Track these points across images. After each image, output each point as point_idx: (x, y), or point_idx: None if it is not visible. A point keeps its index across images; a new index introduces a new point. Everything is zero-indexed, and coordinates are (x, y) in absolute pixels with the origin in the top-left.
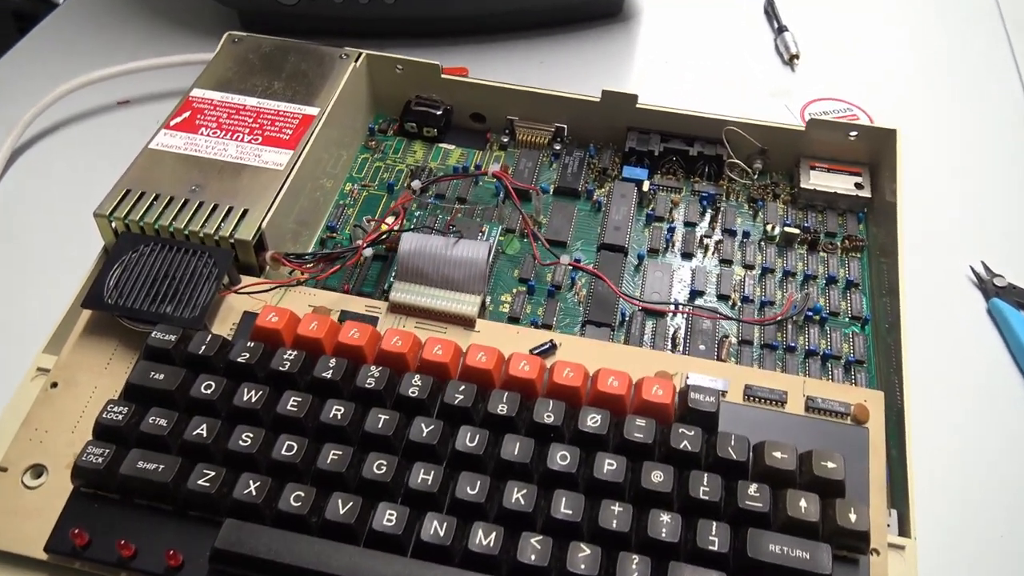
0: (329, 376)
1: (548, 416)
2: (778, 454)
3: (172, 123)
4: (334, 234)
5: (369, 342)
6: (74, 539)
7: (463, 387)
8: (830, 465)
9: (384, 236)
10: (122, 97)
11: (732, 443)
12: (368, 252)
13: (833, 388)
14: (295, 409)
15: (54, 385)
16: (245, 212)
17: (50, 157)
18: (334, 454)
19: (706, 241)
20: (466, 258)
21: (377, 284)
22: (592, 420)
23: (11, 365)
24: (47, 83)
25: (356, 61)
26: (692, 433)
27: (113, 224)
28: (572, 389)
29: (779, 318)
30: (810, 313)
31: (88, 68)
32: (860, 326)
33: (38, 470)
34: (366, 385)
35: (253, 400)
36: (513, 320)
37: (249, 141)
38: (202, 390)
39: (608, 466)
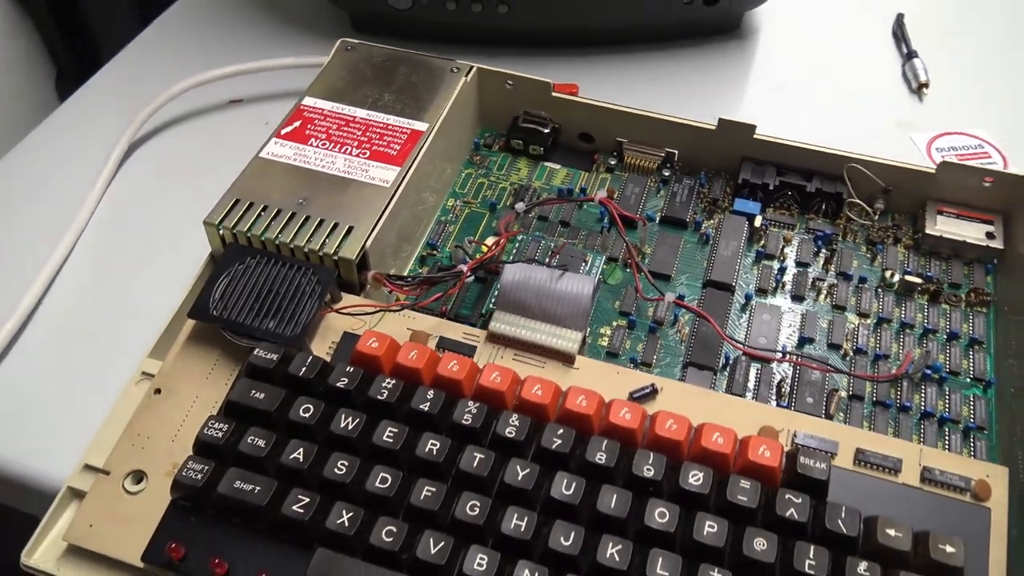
0: (426, 409)
1: (648, 470)
2: (892, 532)
3: (283, 132)
4: (434, 251)
5: (468, 376)
6: (170, 552)
7: (561, 431)
8: (949, 550)
9: (487, 260)
10: (234, 96)
11: (843, 515)
12: (469, 278)
13: (952, 459)
14: (391, 440)
15: (157, 391)
16: (350, 229)
17: (163, 152)
18: (427, 490)
19: (819, 284)
20: (570, 293)
21: (475, 307)
22: (694, 478)
23: (118, 364)
24: (165, 77)
25: (467, 75)
26: (800, 501)
27: (221, 232)
28: (674, 443)
29: (896, 376)
30: (928, 371)
31: (203, 64)
32: (983, 389)
33: (138, 476)
34: (463, 421)
35: (350, 427)
36: (612, 355)
37: (357, 155)
38: (300, 413)
39: (709, 528)
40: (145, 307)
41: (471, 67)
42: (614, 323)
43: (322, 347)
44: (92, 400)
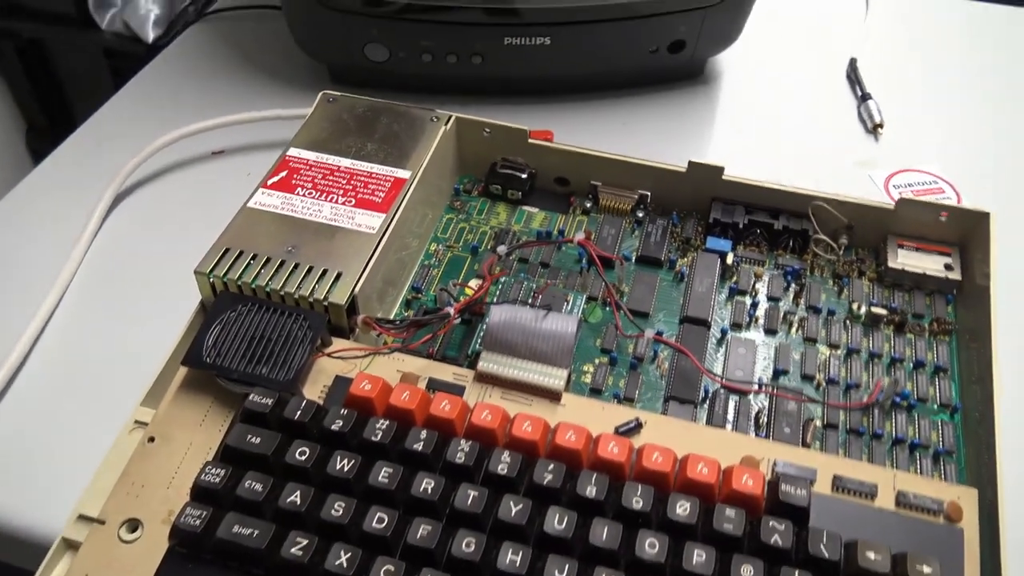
0: (420, 448)
1: (637, 502)
2: (872, 555)
3: (269, 182)
4: (419, 294)
5: (459, 415)
6: None
7: (552, 466)
8: (926, 570)
9: (473, 303)
10: (217, 147)
11: (824, 540)
12: (457, 320)
13: (925, 483)
14: (386, 481)
15: (151, 439)
16: (339, 275)
17: (149, 205)
18: (424, 528)
19: (790, 317)
20: (555, 332)
21: (461, 348)
22: (681, 508)
23: (110, 414)
24: (146, 132)
25: (446, 124)
26: (783, 527)
27: (212, 281)
28: (661, 474)
29: (867, 404)
30: (897, 399)
31: (183, 119)
32: (949, 414)
33: (134, 524)
34: (456, 459)
35: (346, 469)
36: (595, 392)
37: (343, 203)
38: (297, 456)
39: (697, 557)
40: (135, 356)
41: (450, 116)
42: (596, 360)
43: (315, 391)
44: (84, 450)
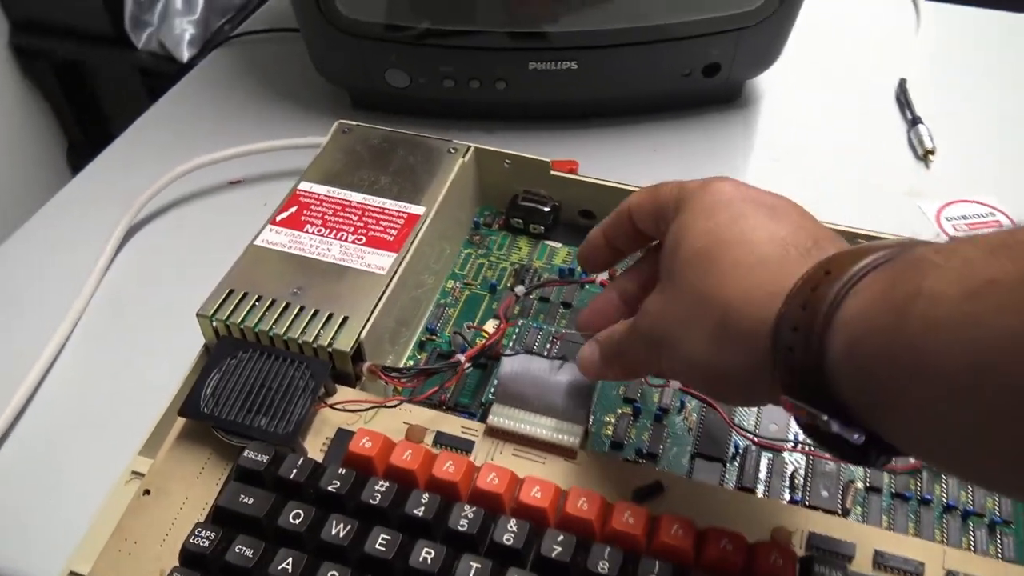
0: (420, 514)
1: None
2: None
3: (278, 218)
4: (434, 336)
5: (464, 477)
6: None
7: (562, 537)
8: None
9: (486, 348)
10: (234, 177)
11: None
12: (468, 368)
13: (978, 562)
14: (383, 549)
15: (146, 492)
16: (345, 319)
17: (162, 237)
18: None
19: None
20: (570, 386)
21: (475, 395)
22: None
23: (112, 459)
24: (167, 156)
25: (464, 156)
26: None
27: (215, 324)
28: (679, 550)
29: (915, 467)
30: None
31: (206, 141)
32: None
33: None
34: (459, 527)
35: (341, 535)
36: (616, 446)
37: (353, 241)
38: (290, 519)
39: None
40: (139, 400)
41: (468, 147)
42: (618, 410)
43: (316, 443)
44: (83, 497)
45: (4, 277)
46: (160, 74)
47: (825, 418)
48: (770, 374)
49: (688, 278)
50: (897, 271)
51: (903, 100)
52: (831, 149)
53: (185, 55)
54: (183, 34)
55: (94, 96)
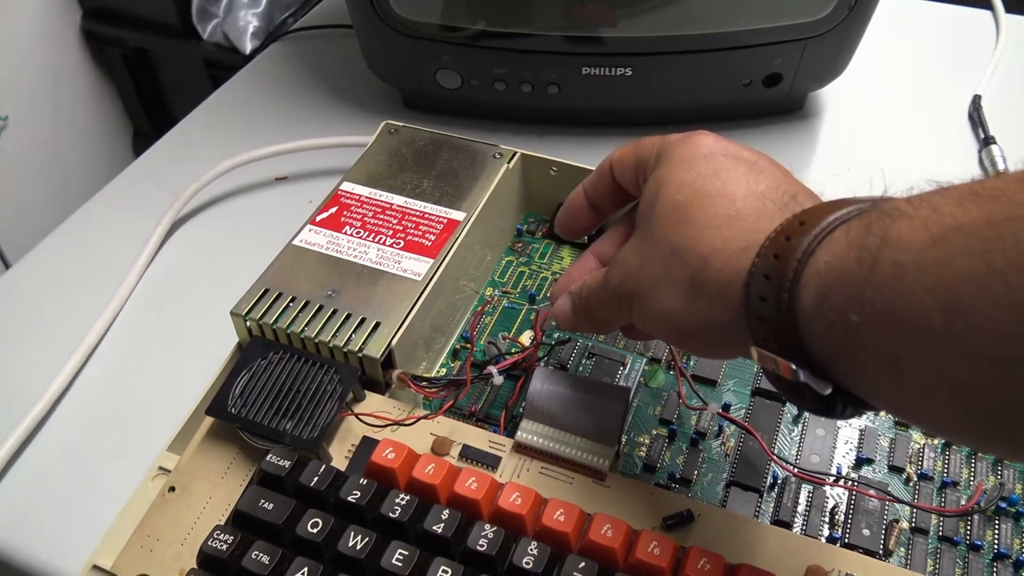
0: (440, 531)
1: None
2: None
3: (318, 219)
4: (468, 344)
5: (487, 495)
6: None
7: (583, 564)
8: None
9: (520, 361)
10: (280, 174)
11: None
12: (498, 380)
13: None
14: (400, 565)
15: (171, 489)
16: (377, 325)
17: (206, 231)
18: None
19: None
20: (602, 406)
21: (506, 406)
22: None
23: (139, 451)
24: (219, 149)
25: (509, 162)
26: None
27: (248, 324)
28: None
29: (966, 510)
30: (1003, 504)
31: (258, 135)
32: None
33: None
34: (478, 547)
35: (358, 547)
36: (649, 468)
37: (391, 244)
38: (308, 528)
39: None
40: (172, 395)
41: (514, 153)
42: (653, 431)
43: (341, 450)
44: (112, 490)
45: (53, 264)
46: (224, 65)
47: (794, 367)
48: (742, 327)
49: (664, 230)
50: (868, 221)
51: (976, 118)
52: (896, 167)
53: (248, 47)
54: (247, 26)
55: (160, 85)
